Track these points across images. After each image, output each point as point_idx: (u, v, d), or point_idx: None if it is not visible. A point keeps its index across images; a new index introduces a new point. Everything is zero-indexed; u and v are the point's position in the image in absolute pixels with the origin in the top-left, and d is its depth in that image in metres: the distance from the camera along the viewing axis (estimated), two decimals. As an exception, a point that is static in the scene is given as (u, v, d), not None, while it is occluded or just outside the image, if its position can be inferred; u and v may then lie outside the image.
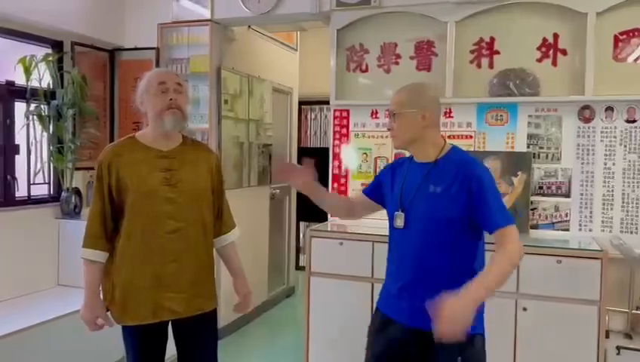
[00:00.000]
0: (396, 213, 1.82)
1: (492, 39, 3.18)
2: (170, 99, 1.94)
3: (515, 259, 1.64)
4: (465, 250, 1.75)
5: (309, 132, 6.39)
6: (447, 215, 1.71)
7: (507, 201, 3.04)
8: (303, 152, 5.58)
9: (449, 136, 3.30)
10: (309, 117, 6.37)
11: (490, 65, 3.18)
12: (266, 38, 4.67)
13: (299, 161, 5.35)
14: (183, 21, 3.81)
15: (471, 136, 3.26)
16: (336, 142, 3.58)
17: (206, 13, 3.74)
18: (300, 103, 5.69)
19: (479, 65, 3.21)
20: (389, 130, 1.87)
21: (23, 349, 2.71)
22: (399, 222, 1.81)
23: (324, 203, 2.10)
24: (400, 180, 1.87)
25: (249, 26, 4.31)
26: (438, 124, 1.88)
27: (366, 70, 3.47)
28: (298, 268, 5.73)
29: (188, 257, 1.97)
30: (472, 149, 3.24)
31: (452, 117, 3.30)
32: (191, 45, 3.82)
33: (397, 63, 3.39)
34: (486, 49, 3.19)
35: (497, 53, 3.17)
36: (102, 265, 1.96)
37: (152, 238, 1.92)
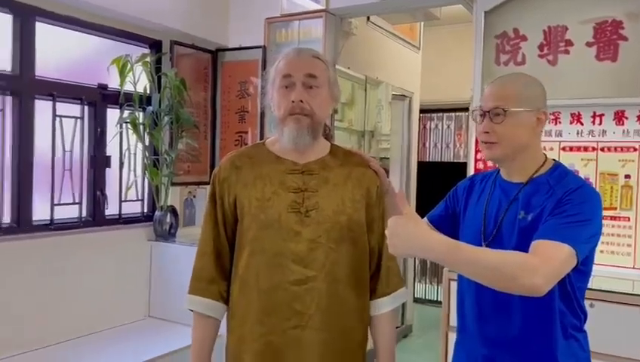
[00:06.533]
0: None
1: None
2: (294, 101, 1.34)
3: (518, 272, 1.11)
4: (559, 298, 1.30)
5: (428, 144, 5.64)
6: None
7: None
8: (423, 167, 4.88)
9: (645, 149, 2.43)
10: (428, 127, 5.62)
11: None
12: (386, 34, 4.01)
13: (419, 179, 4.65)
14: (293, 14, 3.27)
15: (681, 149, 2.36)
16: (480, 155, 2.83)
17: (319, 5, 3.17)
18: (420, 111, 4.97)
19: (694, 50, 2.31)
20: (486, 132, 1.37)
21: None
22: None
23: None
24: (482, 203, 1.44)
25: (368, 19, 3.69)
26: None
27: (522, 62, 2.67)
28: (415, 300, 4.97)
29: (317, 325, 1.34)
30: (681, 167, 2.33)
31: (651, 123, 2.42)
32: (302, 41, 3.25)
33: (567, 52, 2.57)
34: None
35: None
36: (216, 322, 1.42)
37: (269, 290, 1.33)
